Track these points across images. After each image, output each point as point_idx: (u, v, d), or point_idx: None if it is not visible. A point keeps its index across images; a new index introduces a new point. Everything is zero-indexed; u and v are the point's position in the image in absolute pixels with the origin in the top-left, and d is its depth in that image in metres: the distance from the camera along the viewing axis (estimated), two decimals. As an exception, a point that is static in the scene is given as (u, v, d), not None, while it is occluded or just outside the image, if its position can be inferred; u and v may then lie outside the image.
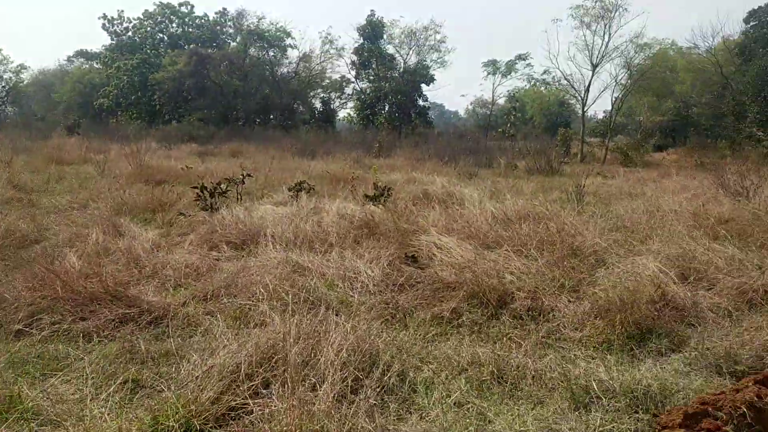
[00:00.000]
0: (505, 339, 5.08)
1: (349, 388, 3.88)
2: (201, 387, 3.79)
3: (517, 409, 3.83)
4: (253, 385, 3.85)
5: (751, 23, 38.40)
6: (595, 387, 3.96)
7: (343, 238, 8.01)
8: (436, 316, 5.59)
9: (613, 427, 3.59)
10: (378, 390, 3.94)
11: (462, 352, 4.63)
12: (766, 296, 5.84)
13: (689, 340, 4.98)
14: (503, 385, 4.18)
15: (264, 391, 3.83)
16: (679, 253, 7.01)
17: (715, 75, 39.29)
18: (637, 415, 3.72)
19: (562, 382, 4.12)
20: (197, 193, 10.02)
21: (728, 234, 8.14)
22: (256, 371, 3.95)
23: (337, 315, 5.20)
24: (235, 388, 3.81)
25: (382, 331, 4.97)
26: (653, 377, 4.13)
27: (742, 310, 5.64)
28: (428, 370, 4.35)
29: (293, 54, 49.30)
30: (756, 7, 38.35)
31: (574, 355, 4.71)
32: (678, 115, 43.79)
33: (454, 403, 3.89)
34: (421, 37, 45.95)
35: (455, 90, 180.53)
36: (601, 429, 3.57)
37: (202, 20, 52.15)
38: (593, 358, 4.63)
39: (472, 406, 3.87)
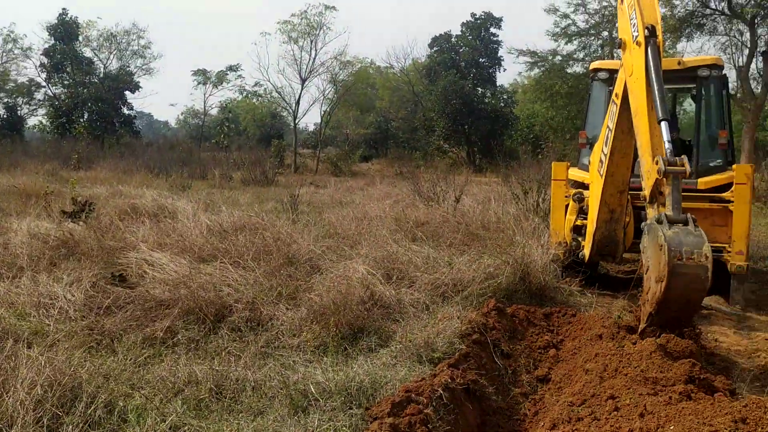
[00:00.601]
0: (223, 353, 4.98)
1: (45, 428, 3.43)
2: None
3: (237, 423, 3.76)
4: None
5: (434, 48, 43.62)
6: (313, 390, 4.07)
7: (36, 261, 7.11)
8: (148, 338, 5.26)
9: (330, 425, 3.72)
10: (81, 426, 3.54)
11: (178, 373, 4.40)
12: (455, 289, 6.62)
13: (395, 334, 5.41)
14: (222, 400, 4.08)
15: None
16: (384, 255, 7.59)
17: (408, 93, 43.86)
18: (351, 411, 3.91)
19: (281, 389, 4.16)
20: None
21: (424, 235, 9.07)
22: None
23: (29, 348, 4.56)
24: None
25: (85, 361, 4.49)
26: (365, 373, 4.38)
27: (437, 302, 6.31)
28: (140, 396, 4.04)
29: (-35, 52, 42.34)
30: (437, 35, 43.72)
31: (293, 361, 4.80)
32: (379, 128, 47.83)
33: (170, 428, 3.67)
34: (123, 41, 43.18)
35: (164, 99, 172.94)
36: (318, 430, 3.67)
37: None
38: (311, 362, 4.77)
39: (189, 428, 3.69)
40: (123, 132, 41.51)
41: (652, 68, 5.44)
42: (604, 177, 6.79)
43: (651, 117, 5.34)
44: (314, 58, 37.13)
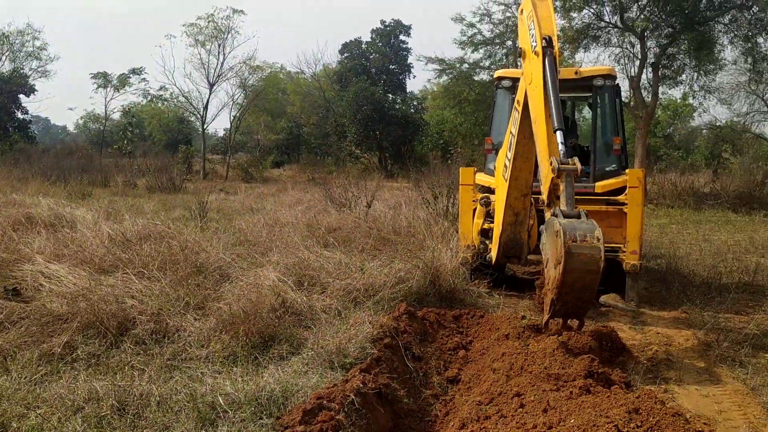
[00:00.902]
0: (126, 368, 4.79)
1: (-74, 458, 3.19)
2: None
3: (142, 440, 3.63)
4: None
5: (345, 55, 43.79)
6: (222, 401, 3.98)
7: None
8: (45, 354, 4.99)
9: (239, 437, 3.65)
10: (-32, 452, 3.32)
11: (77, 390, 4.19)
12: (367, 293, 6.65)
13: (307, 341, 5.37)
14: (125, 417, 3.91)
15: None
16: (295, 261, 7.53)
17: (319, 98, 43.80)
18: (262, 421, 3.85)
19: (188, 402, 4.04)
20: None
21: (336, 241, 9.06)
22: None
23: None
24: None
25: (-27, 382, 4.21)
26: (276, 381, 4.33)
27: (349, 308, 6.32)
28: (36, 416, 3.83)
29: None
30: (347, 41, 43.93)
31: (201, 372, 4.68)
32: (291, 134, 47.45)
33: (69, 448, 3.50)
34: (17, 42, 40.80)
35: (63, 102, 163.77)
36: (228, 442, 3.59)
37: None
38: (220, 373, 4.65)
39: (90, 448, 3.52)
40: (17, 137, 39.13)
41: (549, 79, 5.71)
42: (508, 181, 7.01)
43: (548, 125, 5.61)
44: (222, 63, 36.37)
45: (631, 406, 3.44)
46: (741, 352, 5.95)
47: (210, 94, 36.77)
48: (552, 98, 5.60)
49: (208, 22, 35.53)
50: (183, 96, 38.62)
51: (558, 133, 5.48)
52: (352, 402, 3.99)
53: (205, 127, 38.49)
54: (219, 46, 35.87)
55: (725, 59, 24.60)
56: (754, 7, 21.57)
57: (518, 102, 6.69)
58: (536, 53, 5.97)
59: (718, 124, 34.65)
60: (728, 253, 11.38)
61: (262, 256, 8.12)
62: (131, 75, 44.44)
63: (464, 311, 6.71)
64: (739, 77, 30.02)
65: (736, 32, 22.64)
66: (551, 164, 5.25)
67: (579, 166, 5.23)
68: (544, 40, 5.88)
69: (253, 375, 4.58)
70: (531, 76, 6.09)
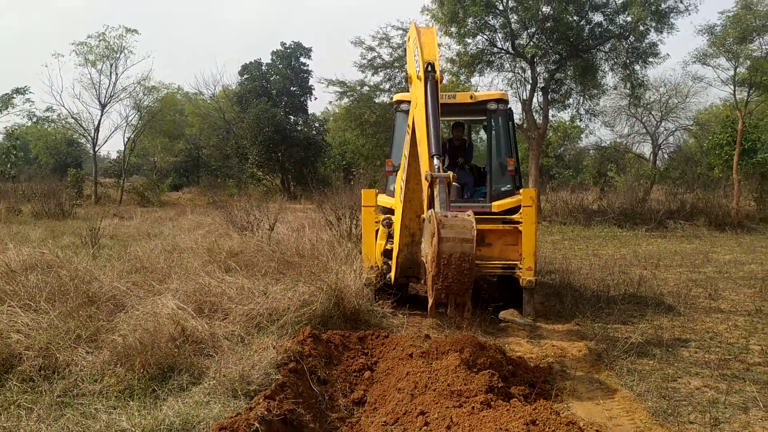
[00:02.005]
0: (12, 407, 4.48)
1: None
2: None
3: (29, 486, 3.40)
4: None
5: (245, 76, 43.33)
6: (118, 438, 3.80)
7: None
8: None
9: (137, 475, 3.50)
10: None
11: (-46, 436, 3.89)
12: (270, 318, 6.55)
13: (208, 370, 5.22)
14: (10, 462, 3.66)
15: None
16: (196, 288, 7.30)
17: (219, 120, 43.04)
18: (161, 457, 3.70)
19: (81, 441, 3.83)
20: None
21: (238, 265, 8.88)
22: None
23: None
24: None
25: None
26: (175, 414, 4.18)
27: (252, 333, 6.20)
28: None
29: None
30: (247, 62, 43.54)
31: (95, 408, 4.44)
32: (190, 156, 46.26)
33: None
34: None
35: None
36: (125, 481, 3.43)
37: None
38: (115, 408, 4.44)
39: (-31, 498, 3.26)
40: None
41: (430, 104, 5.92)
42: (402, 202, 7.15)
43: (429, 148, 5.80)
44: (115, 83, 35.11)
45: (529, 418, 3.59)
46: (628, 360, 6.33)
47: (102, 115, 35.44)
48: (431, 122, 5.81)
49: (99, 41, 34.28)
50: (72, 117, 36.92)
51: (434, 158, 5.67)
52: (257, 430, 3.92)
53: (96, 149, 36.92)
54: (111, 65, 34.67)
55: (607, 85, 26.38)
56: (631, 37, 23.28)
57: (409, 126, 6.87)
58: (420, 78, 6.18)
59: (603, 144, 36.97)
60: (615, 266, 12.10)
61: (159, 283, 7.82)
62: (15, 95, 41.81)
63: (369, 332, 6.74)
64: (620, 101, 32.33)
65: (615, 60, 24.33)
66: (426, 178, 5.46)
67: (452, 174, 5.49)
68: (427, 65, 6.10)
69: (151, 408, 4.40)
70: (416, 100, 6.30)
